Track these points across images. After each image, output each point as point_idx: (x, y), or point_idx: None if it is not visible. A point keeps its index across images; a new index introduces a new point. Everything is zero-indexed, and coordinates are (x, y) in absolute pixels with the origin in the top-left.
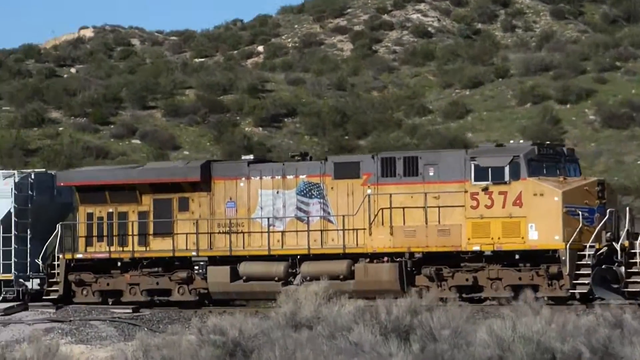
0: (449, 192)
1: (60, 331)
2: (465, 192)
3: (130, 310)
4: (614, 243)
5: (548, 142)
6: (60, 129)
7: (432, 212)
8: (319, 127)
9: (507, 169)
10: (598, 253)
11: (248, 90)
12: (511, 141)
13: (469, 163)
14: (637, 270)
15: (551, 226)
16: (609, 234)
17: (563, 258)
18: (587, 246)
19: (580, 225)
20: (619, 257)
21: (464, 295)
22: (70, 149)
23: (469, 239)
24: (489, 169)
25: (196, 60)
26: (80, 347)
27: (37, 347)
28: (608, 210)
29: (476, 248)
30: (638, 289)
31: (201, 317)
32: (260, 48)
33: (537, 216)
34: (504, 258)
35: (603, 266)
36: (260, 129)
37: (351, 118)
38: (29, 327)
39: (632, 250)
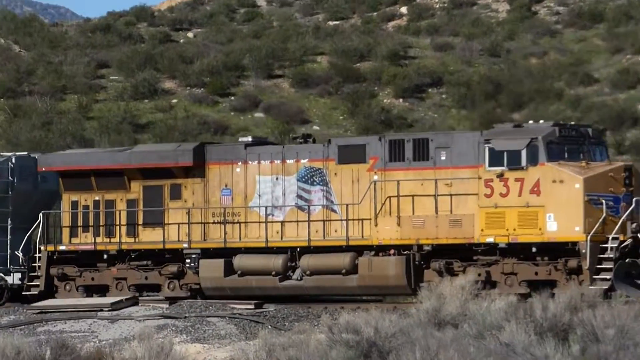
0: (461, 179)
1: (174, 328)
2: (479, 178)
3: (252, 306)
4: (639, 235)
5: (572, 123)
6: (174, 101)
7: (443, 201)
8: (468, 99)
9: (524, 153)
10: (622, 246)
11: (388, 57)
12: (530, 121)
13: (483, 146)
14: None
15: (571, 216)
16: (634, 225)
17: (583, 251)
18: (610, 238)
19: (604, 215)
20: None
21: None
22: (185, 124)
23: (482, 230)
24: (505, 153)
25: (330, 23)
26: (196, 346)
27: (148, 345)
28: (635, 199)
29: (490, 240)
30: None
31: (332, 314)
32: (403, 9)
33: (556, 205)
34: (519, 251)
35: (627, 260)
36: (401, 100)
37: (505, 88)
38: (139, 324)
39: None
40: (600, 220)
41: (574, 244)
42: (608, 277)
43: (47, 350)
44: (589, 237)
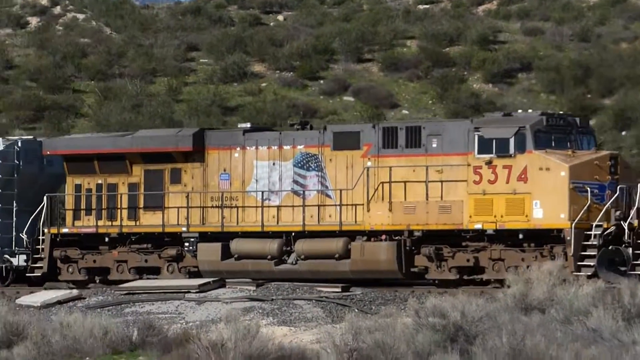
0: (451, 166)
1: (260, 311)
2: (468, 165)
3: (339, 289)
4: (622, 222)
5: (560, 112)
6: (264, 84)
7: (434, 187)
8: (558, 84)
9: (512, 141)
10: (606, 233)
11: (478, 42)
12: (519, 110)
13: (472, 134)
14: None
15: (557, 203)
16: (618, 213)
17: (568, 238)
18: (594, 225)
19: (589, 202)
20: (626, 238)
21: (465, 277)
22: (274, 107)
23: (470, 216)
24: (494, 141)
25: (420, 6)
26: (282, 328)
27: (235, 327)
28: (619, 187)
29: (478, 226)
30: None
31: (419, 298)
32: None
33: (543, 192)
34: (507, 237)
35: (610, 247)
36: (490, 85)
37: (595, 74)
38: (226, 306)
39: None
40: (585, 207)
41: (560, 230)
42: (592, 263)
43: (135, 331)
44: (573, 224)
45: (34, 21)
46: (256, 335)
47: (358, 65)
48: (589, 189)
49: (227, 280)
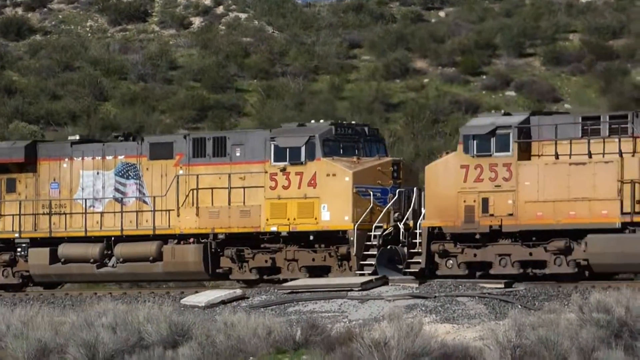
0: (252, 173)
1: (423, 308)
2: (266, 172)
3: (502, 285)
4: (399, 223)
5: (350, 122)
6: (426, 80)
7: (236, 193)
8: None
9: (303, 149)
10: (385, 233)
11: None
12: (312, 120)
13: (269, 143)
14: (418, 250)
15: (342, 207)
16: (397, 214)
17: (351, 239)
18: (374, 227)
19: (371, 205)
20: (401, 238)
21: (265, 277)
22: (437, 103)
23: (267, 219)
24: (287, 149)
25: (582, 0)
26: (445, 326)
27: (398, 325)
28: (398, 190)
29: (274, 229)
30: (416, 269)
31: (582, 293)
32: None
33: (330, 197)
34: (300, 239)
35: (389, 247)
36: None
37: None
38: (389, 304)
39: (416, 231)
40: (368, 210)
41: (345, 232)
42: (373, 262)
43: (298, 330)
44: (356, 226)
45: (197, 21)
46: (419, 332)
47: (520, 59)
48: (371, 192)
49: (390, 278)
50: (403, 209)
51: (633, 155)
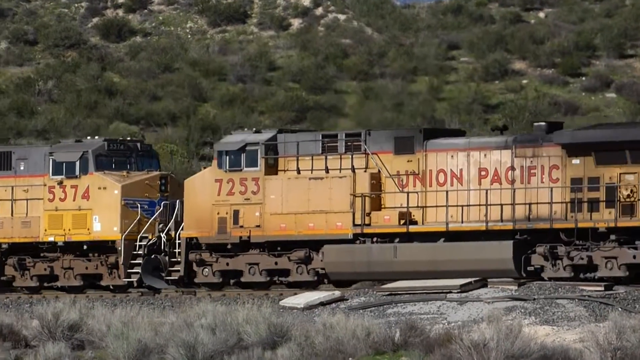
0: (34, 186)
1: (522, 310)
2: (45, 185)
3: (602, 288)
4: (162, 234)
5: (121, 138)
6: (525, 81)
7: (20, 205)
8: None
9: (77, 164)
10: (150, 243)
11: None
12: (88, 137)
13: (48, 158)
14: (178, 259)
15: (111, 218)
16: (161, 225)
17: (119, 248)
18: (139, 237)
19: (139, 216)
20: (162, 247)
21: (46, 284)
22: (536, 105)
23: (45, 230)
24: (64, 164)
25: None
26: (545, 328)
27: (497, 327)
28: (163, 203)
29: (51, 239)
30: (176, 277)
31: None
32: None
33: (101, 208)
34: (76, 248)
35: (153, 256)
36: None
37: None
38: (487, 306)
39: (177, 241)
40: (135, 221)
41: (114, 242)
42: (139, 270)
43: (397, 331)
44: (123, 236)
45: (296, 23)
46: (518, 334)
47: (621, 61)
48: (139, 205)
49: (489, 280)
50: (167, 220)
51: (365, 171)
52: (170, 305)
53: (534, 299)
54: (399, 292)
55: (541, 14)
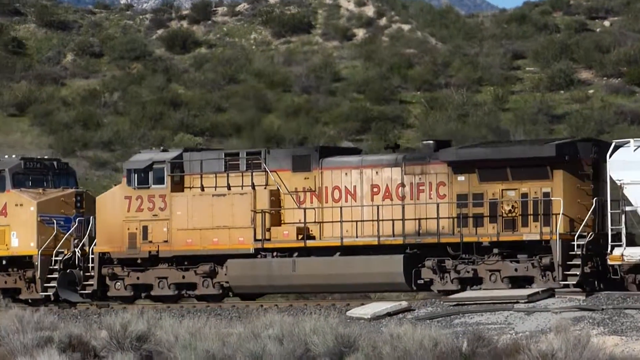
0: None
1: (590, 321)
2: None
3: None
4: (76, 249)
5: (38, 157)
6: (591, 91)
7: None
8: None
9: None
10: (65, 258)
11: None
12: (6, 156)
13: None
14: (92, 274)
15: (28, 234)
16: (77, 241)
17: (36, 263)
18: (55, 252)
19: (55, 232)
20: (76, 262)
21: None
22: (602, 115)
23: None
24: None
25: None
26: (613, 338)
27: (565, 337)
28: (78, 219)
29: None
30: (90, 291)
31: None
32: None
33: (19, 225)
34: None
35: (68, 270)
36: None
37: None
38: (555, 316)
39: (91, 256)
40: (52, 237)
41: (31, 257)
42: (53, 285)
43: (464, 342)
44: (40, 251)
45: (360, 33)
46: (586, 345)
47: None
48: (55, 221)
49: (556, 290)
50: (82, 236)
51: (265, 188)
52: (237, 316)
53: (602, 309)
54: (466, 303)
55: (606, 23)
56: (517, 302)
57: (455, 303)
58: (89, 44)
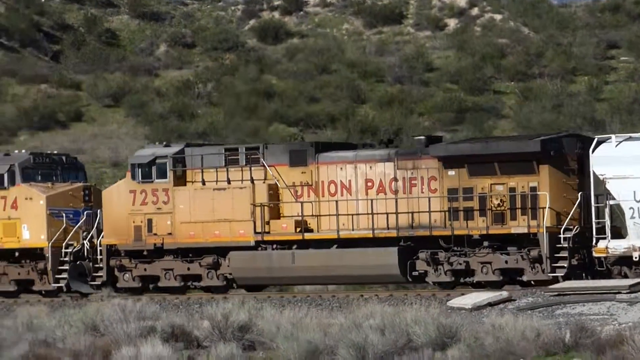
0: None
1: None
2: None
3: None
4: (85, 241)
5: (47, 152)
6: None
7: None
8: None
9: (6, 176)
10: (75, 250)
11: None
12: (15, 151)
13: None
14: (100, 265)
15: (38, 227)
16: (85, 233)
17: (47, 255)
18: (65, 244)
19: (64, 225)
20: (85, 254)
21: None
22: None
23: None
24: None
25: None
26: None
27: None
28: (86, 212)
29: None
30: (99, 282)
31: None
32: None
33: (29, 218)
34: (7, 255)
35: (78, 262)
36: None
37: None
38: None
39: (99, 248)
40: (61, 229)
41: (42, 249)
42: (66, 276)
43: (567, 332)
44: (50, 244)
45: (452, 23)
46: None
47: None
48: (64, 214)
49: None
50: (91, 228)
51: (264, 182)
52: (338, 306)
53: None
54: (567, 293)
55: None
56: (619, 293)
57: (556, 293)
58: (182, 35)
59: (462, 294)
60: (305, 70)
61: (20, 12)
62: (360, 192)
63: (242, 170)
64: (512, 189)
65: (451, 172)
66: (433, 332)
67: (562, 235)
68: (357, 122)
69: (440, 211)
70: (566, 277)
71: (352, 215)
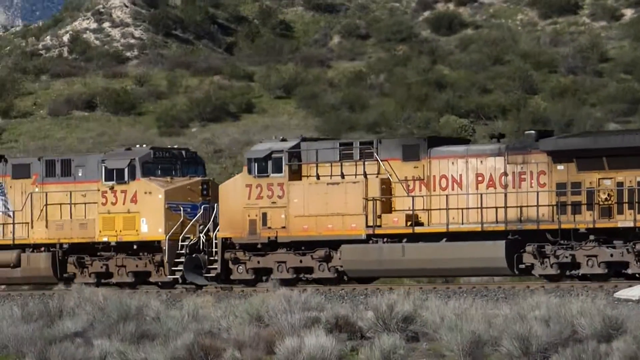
0: (90, 191)
1: None
2: (99, 190)
3: None
4: (201, 235)
5: (168, 147)
6: None
7: (78, 208)
8: None
9: (126, 171)
10: (191, 243)
11: None
12: (137, 145)
13: (101, 165)
14: (215, 258)
15: (156, 220)
16: (202, 227)
17: (164, 248)
18: (182, 237)
19: (182, 219)
20: (201, 247)
21: (102, 281)
22: None
23: (100, 231)
24: (114, 171)
25: None
26: None
27: None
28: (203, 206)
29: (105, 239)
30: (214, 275)
31: None
32: None
33: (147, 211)
34: (127, 248)
35: (194, 255)
36: None
37: None
38: None
39: (215, 241)
40: (179, 223)
41: (159, 242)
42: (182, 268)
43: None
44: (167, 237)
45: (628, 13)
46: None
47: None
48: (182, 208)
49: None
50: (207, 222)
51: (377, 177)
52: (503, 297)
53: None
54: None
55: None
56: None
57: None
58: (356, 26)
59: (630, 286)
60: (478, 60)
61: (196, 5)
62: (471, 187)
63: (355, 164)
64: (620, 184)
65: (560, 167)
66: (599, 323)
67: None
68: (528, 113)
69: (549, 205)
70: None
71: (462, 209)
